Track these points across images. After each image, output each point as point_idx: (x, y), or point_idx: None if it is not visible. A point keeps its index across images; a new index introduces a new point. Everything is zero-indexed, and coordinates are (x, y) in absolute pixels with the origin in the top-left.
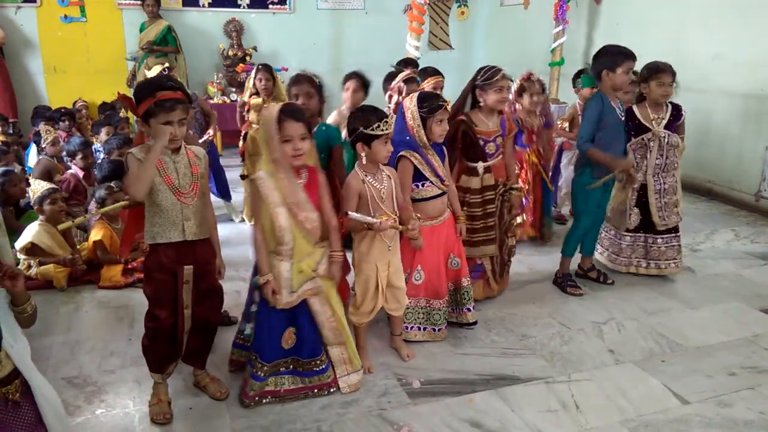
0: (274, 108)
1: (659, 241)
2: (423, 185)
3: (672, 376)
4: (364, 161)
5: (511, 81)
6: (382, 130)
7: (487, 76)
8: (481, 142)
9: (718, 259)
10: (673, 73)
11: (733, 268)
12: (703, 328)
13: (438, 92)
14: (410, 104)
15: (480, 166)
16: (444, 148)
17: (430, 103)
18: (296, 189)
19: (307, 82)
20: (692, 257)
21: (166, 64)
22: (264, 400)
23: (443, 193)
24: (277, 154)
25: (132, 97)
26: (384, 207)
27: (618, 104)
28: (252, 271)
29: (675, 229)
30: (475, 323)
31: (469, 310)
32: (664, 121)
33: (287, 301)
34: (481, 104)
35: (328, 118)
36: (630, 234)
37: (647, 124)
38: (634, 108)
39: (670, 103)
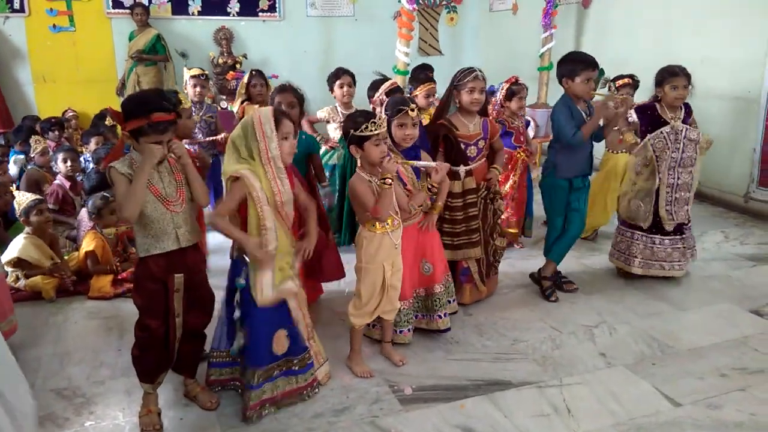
0: (266, 109)
1: (666, 242)
2: None
3: (663, 379)
4: (359, 163)
5: (493, 86)
6: (371, 130)
7: (461, 77)
8: (462, 146)
9: (708, 260)
10: (687, 76)
11: (723, 269)
12: (694, 330)
13: (430, 99)
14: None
15: (462, 169)
16: (422, 152)
17: (392, 108)
18: (287, 187)
19: (291, 92)
20: None
21: (205, 71)
22: (264, 412)
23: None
24: (275, 152)
25: (121, 109)
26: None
27: (584, 108)
28: (227, 289)
29: (681, 232)
30: (448, 329)
31: (440, 316)
32: (680, 120)
33: (270, 296)
34: (458, 105)
35: (318, 112)
36: (644, 234)
37: (666, 118)
38: (657, 106)
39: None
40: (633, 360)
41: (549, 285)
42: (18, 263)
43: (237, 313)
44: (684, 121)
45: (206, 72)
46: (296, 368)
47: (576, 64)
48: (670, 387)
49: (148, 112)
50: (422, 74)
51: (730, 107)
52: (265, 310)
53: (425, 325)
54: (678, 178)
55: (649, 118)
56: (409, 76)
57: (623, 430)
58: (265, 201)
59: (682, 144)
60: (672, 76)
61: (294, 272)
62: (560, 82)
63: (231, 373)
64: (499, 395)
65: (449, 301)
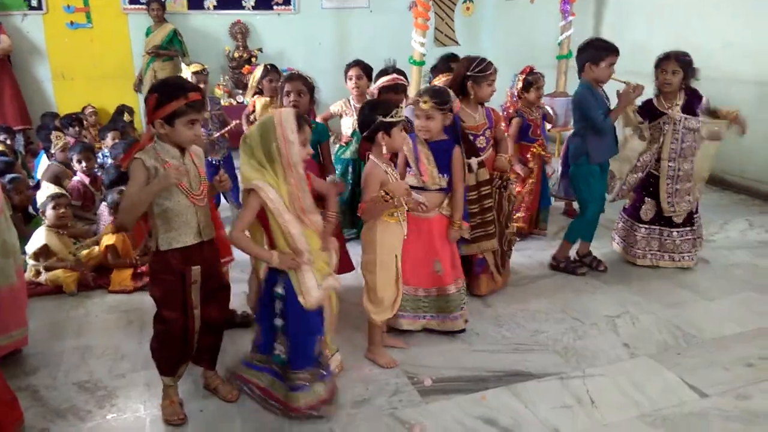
0: (287, 112)
1: (674, 234)
2: (408, 172)
3: (688, 369)
4: (384, 151)
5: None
6: (400, 116)
7: (482, 68)
8: (471, 137)
9: (732, 249)
10: (681, 62)
11: (748, 258)
12: (719, 320)
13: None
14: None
15: (473, 161)
16: (451, 147)
17: (443, 95)
18: (306, 194)
19: (300, 79)
20: (706, 248)
21: (206, 66)
22: (315, 413)
23: (424, 189)
24: (296, 159)
25: (149, 100)
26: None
27: (603, 94)
28: (262, 296)
29: (691, 223)
30: (462, 330)
31: (455, 317)
32: (678, 107)
33: (317, 297)
34: (471, 96)
35: (331, 107)
36: (645, 225)
37: (662, 110)
38: (653, 99)
39: (685, 88)
40: (657, 350)
41: (579, 264)
42: (41, 252)
43: (278, 321)
44: (691, 108)
45: (206, 67)
46: (324, 372)
47: (600, 50)
48: (695, 377)
49: (185, 92)
50: (444, 64)
51: (754, 93)
52: (311, 313)
53: (437, 326)
54: (678, 169)
55: (648, 114)
56: (433, 66)
57: (648, 421)
58: (284, 210)
59: (680, 134)
60: (662, 60)
61: (331, 269)
62: (581, 68)
63: (258, 378)
64: (521, 387)
65: (462, 307)
